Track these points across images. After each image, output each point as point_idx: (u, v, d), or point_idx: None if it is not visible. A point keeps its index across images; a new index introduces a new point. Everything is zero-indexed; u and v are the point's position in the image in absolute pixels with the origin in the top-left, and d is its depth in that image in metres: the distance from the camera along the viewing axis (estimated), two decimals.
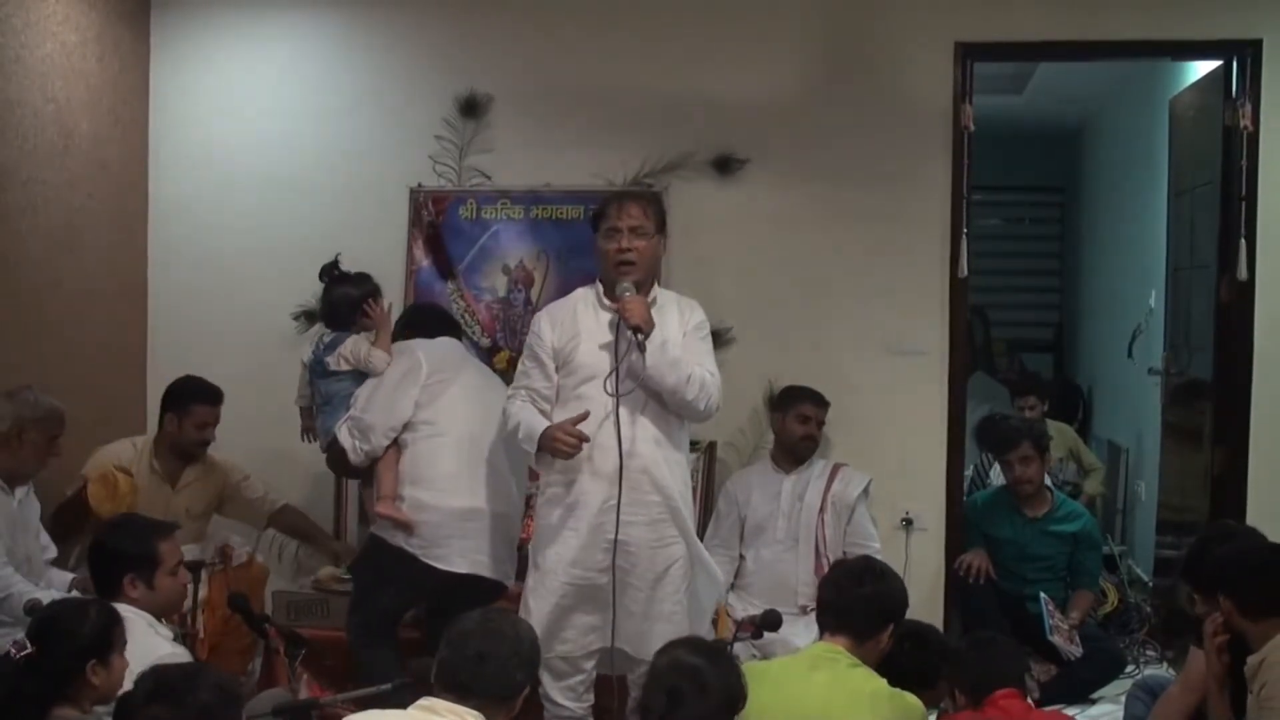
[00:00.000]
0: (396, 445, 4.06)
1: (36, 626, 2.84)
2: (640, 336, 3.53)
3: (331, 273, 4.29)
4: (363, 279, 4.28)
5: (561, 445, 3.56)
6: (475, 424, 3.98)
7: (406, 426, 4.04)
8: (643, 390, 3.62)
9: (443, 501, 3.95)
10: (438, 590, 4.00)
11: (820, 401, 4.85)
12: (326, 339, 4.24)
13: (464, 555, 3.95)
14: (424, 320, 4.46)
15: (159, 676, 2.49)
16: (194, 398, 4.47)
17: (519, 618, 2.93)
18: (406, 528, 3.95)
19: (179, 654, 3.18)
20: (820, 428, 4.86)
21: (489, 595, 3.89)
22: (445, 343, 4.30)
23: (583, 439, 3.56)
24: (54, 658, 2.76)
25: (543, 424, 3.64)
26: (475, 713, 2.49)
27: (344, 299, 4.21)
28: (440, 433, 4.01)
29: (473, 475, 3.98)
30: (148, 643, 3.11)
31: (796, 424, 4.83)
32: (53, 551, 4.07)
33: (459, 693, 2.52)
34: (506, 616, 2.76)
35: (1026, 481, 5.10)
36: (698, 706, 2.53)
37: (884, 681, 3.08)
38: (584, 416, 3.58)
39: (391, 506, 3.99)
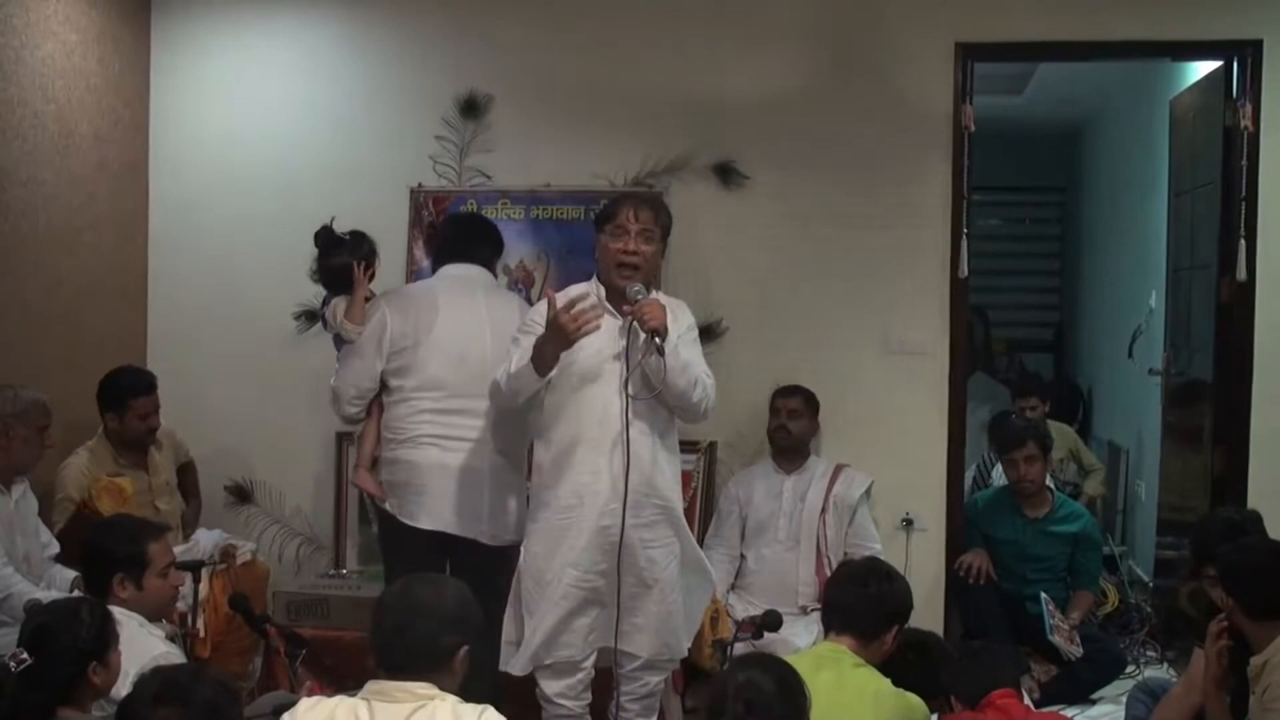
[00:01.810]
0: (380, 405, 4.06)
1: (31, 635, 2.80)
2: (659, 341, 3.49)
3: (328, 237, 4.23)
4: (358, 242, 4.22)
5: (577, 323, 3.38)
6: (448, 377, 3.92)
7: (384, 388, 4.04)
8: (649, 392, 3.59)
9: (414, 458, 3.94)
10: (427, 552, 3.93)
11: (791, 392, 4.86)
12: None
13: (429, 512, 3.93)
14: (448, 243, 4.32)
15: (163, 677, 2.48)
16: (129, 393, 4.47)
17: (443, 578, 2.80)
18: (380, 495, 4.00)
19: (173, 653, 3.19)
20: (795, 418, 4.84)
21: (483, 555, 3.87)
22: (430, 286, 4.16)
23: (594, 310, 3.43)
24: (55, 664, 2.75)
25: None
26: (427, 684, 2.47)
27: (343, 268, 4.16)
28: (408, 396, 3.99)
29: (445, 431, 3.93)
30: (142, 643, 3.10)
31: (771, 417, 4.87)
32: (55, 548, 4.07)
33: (394, 670, 2.49)
34: (428, 582, 2.67)
35: (1029, 481, 5.10)
36: None
37: (888, 681, 3.09)
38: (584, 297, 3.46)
39: (363, 476, 4.04)
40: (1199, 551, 3.79)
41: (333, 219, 4.30)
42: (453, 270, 4.21)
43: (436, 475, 3.92)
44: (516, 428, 3.96)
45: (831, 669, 2.99)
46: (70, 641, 2.78)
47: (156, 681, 2.46)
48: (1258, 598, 3.16)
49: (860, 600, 3.17)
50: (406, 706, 2.44)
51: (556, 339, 3.45)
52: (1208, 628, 3.31)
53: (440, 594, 2.62)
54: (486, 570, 3.78)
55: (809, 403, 4.88)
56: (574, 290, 3.75)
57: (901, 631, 3.25)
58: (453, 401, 3.93)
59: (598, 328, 3.46)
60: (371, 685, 2.51)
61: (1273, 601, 3.15)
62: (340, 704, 2.49)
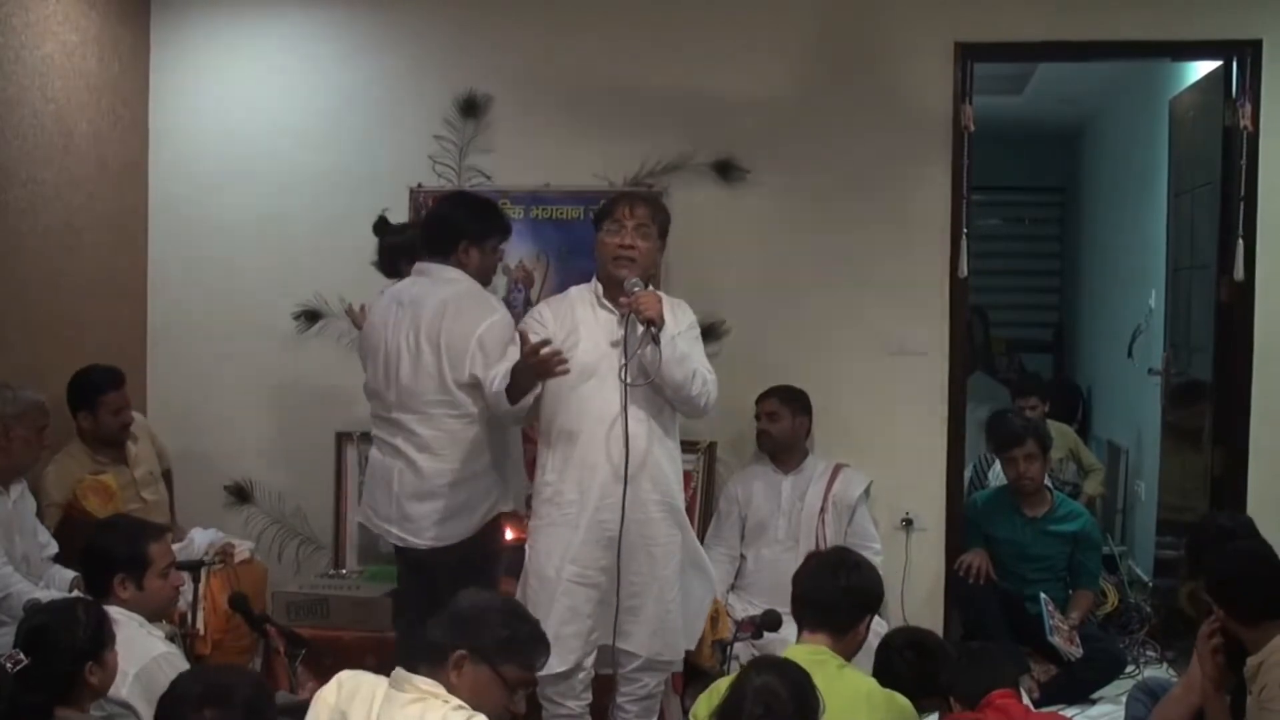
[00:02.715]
0: None
1: (27, 636, 2.80)
2: (655, 330, 3.52)
3: (385, 227, 4.43)
4: (400, 228, 4.42)
5: (544, 364, 3.38)
6: (373, 386, 3.90)
7: None
8: (647, 385, 3.60)
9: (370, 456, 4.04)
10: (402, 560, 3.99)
11: (767, 394, 4.87)
12: None
13: (363, 506, 4.04)
14: (425, 241, 4.09)
15: (205, 679, 2.49)
16: (98, 390, 4.46)
17: (502, 596, 2.88)
18: None
19: (173, 653, 3.18)
20: (774, 420, 4.85)
21: (423, 555, 3.83)
22: (383, 293, 4.05)
23: (558, 353, 3.41)
24: (52, 665, 2.75)
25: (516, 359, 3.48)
26: (429, 680, 2.54)
27: (389, 249, 4.33)
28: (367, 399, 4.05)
29: (379, 434, 3.92)
30: (142, 643, 3.10)
31: (755, 422, 4.88)
32: (53, 548, 4.07)
33: (409, 665, 2.60)
34: (473, 591, 2.79)
35: (1029, 479, 5.10)
36: None
37: (874, 681, 3.09)
38: (545, 343, 3.43)
39: None
40: (1193, 556, 3.81)
41: (384, 210, 4.52)
42: (408, 274, 4.09)
43: (367, 473, 4.01)
44: (459, 442, 3.77)
45: (819, 674, 2.97)
46: (66, 642, 2.78)
47: (199, 683, 2.47)
48: (1246, 604, 3.19)
49: (832, 594, 3.14)
50: (407, 697, 2.52)
51: (524, 374, 3.47)
52: (1200, 629, 3.32)
53: (466, 598, 2.70)
54: (418, 567, 3.83)
55: (788, 402, 4.87)
56: (572, 292, 3.80)
57: (872, 620, 3.24)
58: (378, 409, 3.92)
59: (566, 370, 3.45)
60: (395, 673, 2.59)
61: (1263, 605, 3.16)
62: (368, 681, 2.59)
